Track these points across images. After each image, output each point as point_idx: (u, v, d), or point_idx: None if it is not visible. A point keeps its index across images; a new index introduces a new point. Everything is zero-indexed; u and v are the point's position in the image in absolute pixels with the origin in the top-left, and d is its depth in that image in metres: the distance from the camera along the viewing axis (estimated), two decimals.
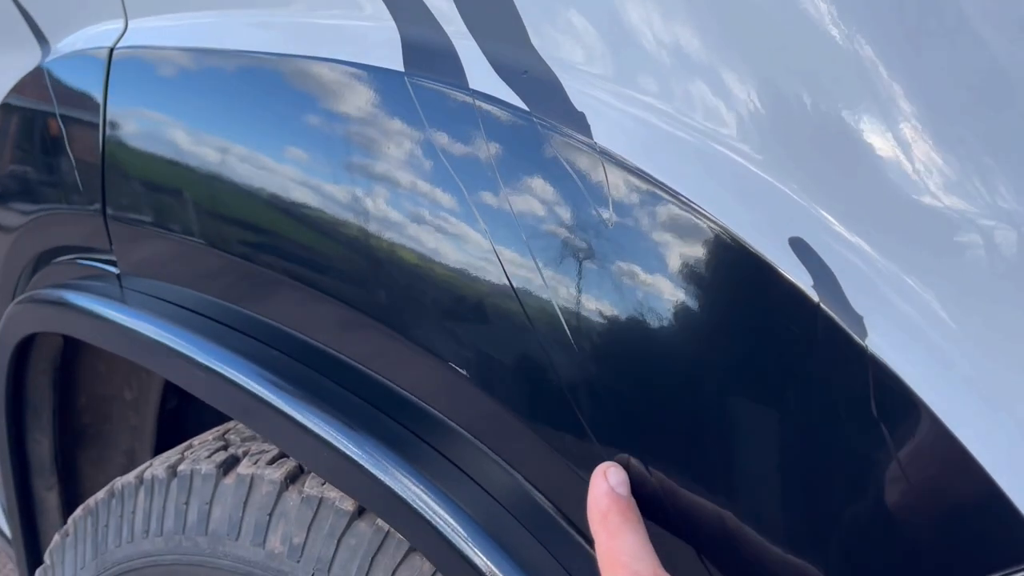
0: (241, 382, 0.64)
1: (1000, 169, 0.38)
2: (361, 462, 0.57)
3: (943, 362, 0.37)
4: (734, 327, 0.41)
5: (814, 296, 0.39)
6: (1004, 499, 0.36)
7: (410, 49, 0.52)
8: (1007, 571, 0.36)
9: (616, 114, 0.44)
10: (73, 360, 1.02)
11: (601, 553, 0.42)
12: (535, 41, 0.47)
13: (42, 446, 1.06)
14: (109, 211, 0.77)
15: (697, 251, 0.42)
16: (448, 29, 0.50)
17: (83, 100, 0.79)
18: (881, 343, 0.37)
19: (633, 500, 0.43)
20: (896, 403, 0.37)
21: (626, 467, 0.45)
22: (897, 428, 0.37)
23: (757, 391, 0.41)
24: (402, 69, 0.52)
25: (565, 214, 0.45)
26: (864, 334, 0.38)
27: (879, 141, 0.39)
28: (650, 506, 0.44)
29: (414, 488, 0.55)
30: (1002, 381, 0.36)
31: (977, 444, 0.36)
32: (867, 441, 0.38)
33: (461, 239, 0.50)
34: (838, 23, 0.39)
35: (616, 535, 0.42)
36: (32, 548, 1.10)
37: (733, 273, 0.41)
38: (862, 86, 0.39)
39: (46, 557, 0.92)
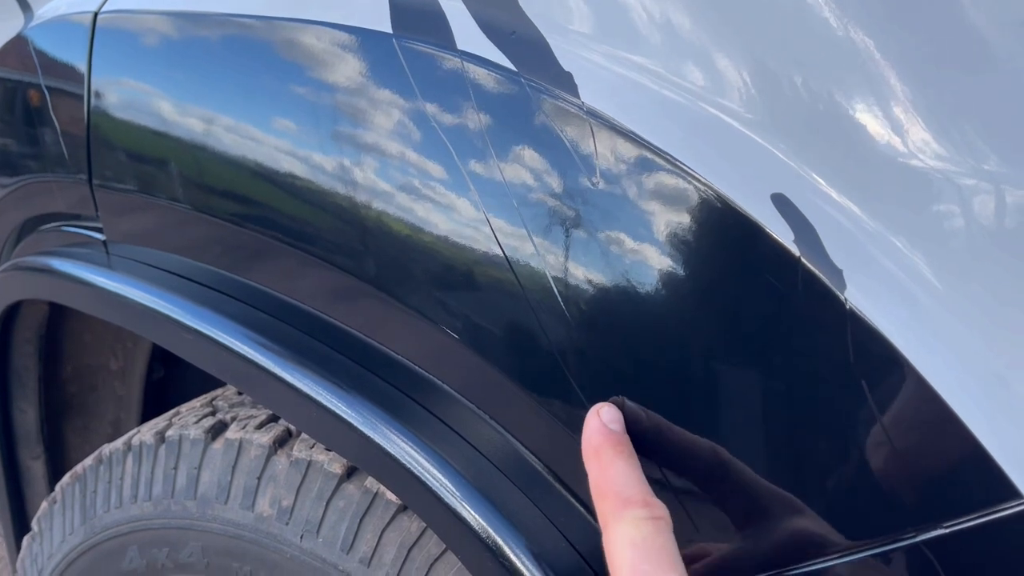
0: (231, 344, 0.64)
1: (988, 132, 0.39)
2: (352, 421, 0.57)
3: (923, 316, 0.38)
4: (719, 282, 0.42)
5: (794, 250, 0.40)
6: (978, 446, 0.37)
7: (398, 11, 0.52)
8: (981, 512, 0.37)
9: (604, 73, 0.45)
10: (58, 330, 1.02)
11: (593, 485, 0.43)
12: (523, 2, 0.47)
13: (28, 416, 1.06)
14: (95, 178, 0.77)
15: (683, 209, 0.42)
16: None
17: (67, 67, 0.78)
18: (860, 297, 0.39)
19: (627, 436, 0.44)
20: (874, 355, 0.38)
21: (620, 407, 0.46)
22: (874, 378, 0.38)
23: (742, 344, 0.42)
24: (390, 31, 0.52)
25: (553, 173, 0.46)
26: (843, 287, 0.39)
27: (867, 105, 0.40)
28: (643, 444, 0.45)
29: (404, 446, 0.55)
30: (977, 335, 0.38)
31: (953, 394, 0.37)
32: (845, 391, 0.39)
33: (451, 202, 0.50)
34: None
35: (608, 466, 0.42)
36: (19, 517, 1.10)
37: (719, 229, 0.42)
38: (852, 50, 0.40)
39: (34, 524, 0.92)
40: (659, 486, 0.43)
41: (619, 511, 0.41)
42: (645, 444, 0.45)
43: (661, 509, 0.41)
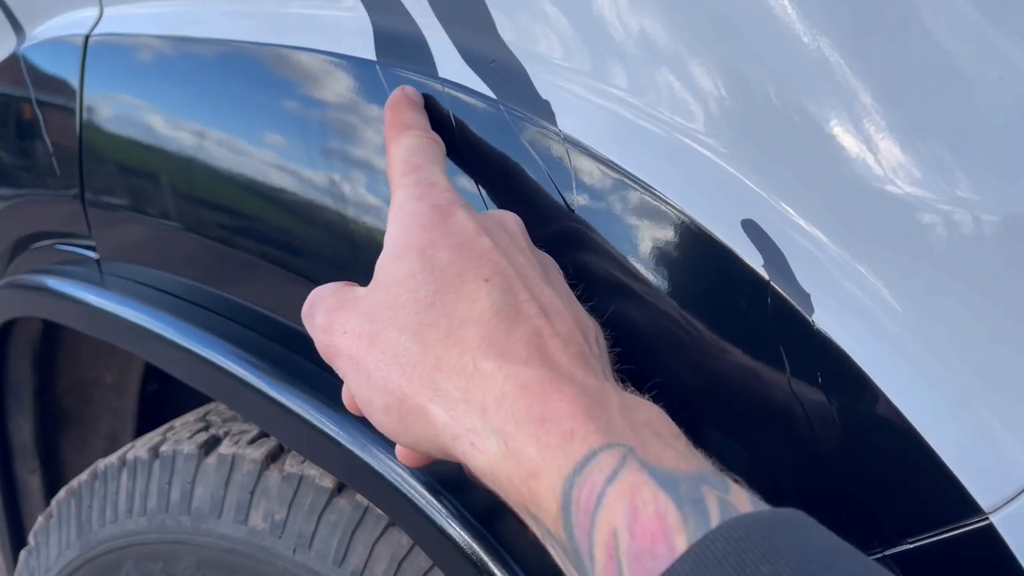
0: (220, 363, 0.65)
1: (953, 160, 0.40)
2: (340, 440, 0.59)
3: (886, 338, 0.39)
4: (692, 304, 0.44)
5: (764, 275, 0.41)
6: (940, 463, 0.38)
7: (382, 39, 0.54)
8: (945, 528, 0.39)
9: (580, 103, 0.46)
10: (53, 344, 1.03)
11: (387, 125, 0.48)
12: (502, 31, 0.48)
13: (23, 430, 1.07)
14: (88, 197, 0.78)
15: (657, 233, 0.44)
16: (418, 19, 0.52)
17: (59, 86, 0.80)
18: (827, 319, 0.40)
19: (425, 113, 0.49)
20: (840, 375, 0.40)
21: None
22: (840, 397, 0.40)
23: (711, 367, 0.43)
24: (374, 58, 0.54)
25: (531, 197, 0.47)
26: (811, 311, 0.40)
27: (837, 136, 0.41)
28: None
29: (392, 465, 0.57)
30: (938, 357, 0.39)
31: (915, 412, 0.39)
32: (814, 409, 0.40)
33: None
34: (802, 21, 0.41)
35: (400, 111, 0.49)
36: (16, 531, 1.11)
37: (692, 254, 0.43)
38: (823, 85, 0.41)
39: (30, 538, 0.93)
40: None
41: (401, 132, 0.46)
42: None
43: (440, 139, 0.46)
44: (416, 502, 0.55)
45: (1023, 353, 0.39)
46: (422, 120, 0.48)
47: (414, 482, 0.55)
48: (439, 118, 0.49)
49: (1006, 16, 0.41)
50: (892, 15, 0.41)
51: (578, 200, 0.46)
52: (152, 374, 1.12)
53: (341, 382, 0.61)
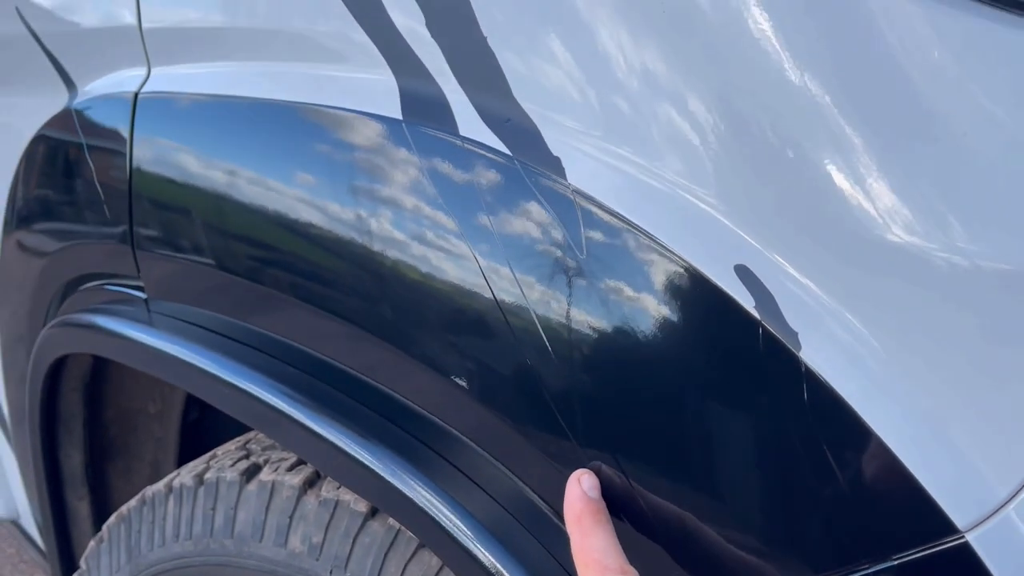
0: (262, 396, 0.70)
1: (945, 207, 0.43)
2: (374, 468, 0.63)
3: (863, 368, 0.43)
4: (691, 344, 0.48)
5: (756, 315, 0.45)
6: (917, 485, 0.42)
7: (408, 100, 0.59)
8: (924, 546, 0.42)
9: (588, 159, 0.50)
10: (101, 375, 1.09)
11: (575, 551, 0.48)
12: (516, 93, 0.53)
13: (73, 460, 1.12)
14: (136, 240, 0.83)
15: (658, 278, 0.48)
16: (441, 82, 0.57)
17: (111, 138, 0.85)
18: (813, 355, 0.44)
19: (603, 503, 0.50)
20: (825, 404, 0.43)
21: (598, 472, 0.51)
22: (826, 426, 0.44)
23: (709, 397, 0.47)
24: (400, 117, 0.59)
25: (544, 246, 0.52)
26: (799, 347, 0.44)
27: (829, 194, 0.44)
28: (619, 505, 0.50)
29: (422, 491, 0.61)
30: (909, 382, 0.43)
31: (892, 437, 0.42)
32: (800, 435, 0.44)
33: (456, 267, 0.56)
34: (807, 84, 0.44)
35: (588, 534, 0.48)
36: (65, 555, 1.16)
37: (689, 297, 0.48)
38: (821, 143, 0.44)
39: (82, 563, 0.98)
40: (629, 548, 0.49)
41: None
42: (619, 505, 0.50)
43: (635, 575, 0.46)
44: (444, 525, 0.59)
45: (996, 379, 0.42)
46: (615, 548, 0.47)
47: (444, 508, 0.59)
48: (459, 172, 0.54)
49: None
50: (877, 70, 0.45)
51: (587, 249, 0.50)
52: (192, 404, 1.17)
53: (374, 410, 0.65)
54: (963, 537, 0.41)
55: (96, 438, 1.13)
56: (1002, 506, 0.41)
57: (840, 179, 0.44)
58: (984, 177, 0.42)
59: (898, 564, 0.42)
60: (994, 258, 0.41)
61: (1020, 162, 0.41)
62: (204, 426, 1.21)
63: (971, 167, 0.42)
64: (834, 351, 0.43)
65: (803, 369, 0.44)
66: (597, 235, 0.50)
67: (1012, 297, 0.41)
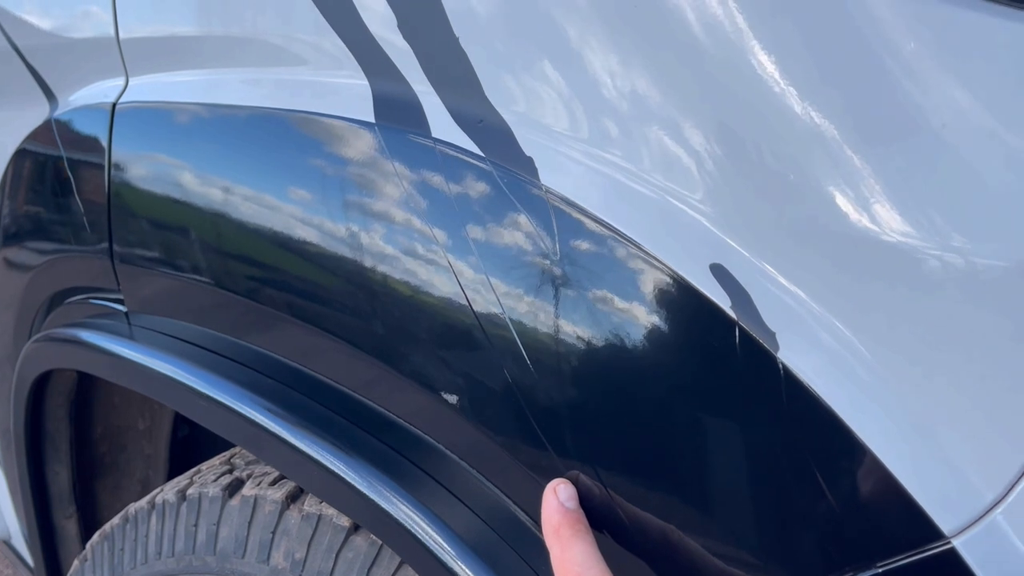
0: (242, 411, 0.69)
1: (913, 206, 0.42)
2: (354, 483, 0.61)
3: (845, 371, 0.42)
4: (669, 347, 0.46)
5: (732, 315, 0.43)
6: (903, 492, 0.40)
7: (380, 102, 0.58)
8: (910, 552, 0.41)
9: (560, 159, 0.49)
10: (88, 393, 1.07)
11: (555, 564, 0.47)
12: (488, 94, 0.52)
13: (61, 477, 1.11)
14: (116, 252, 0.82)
15: (633, 280, 0.47)
16: (413, 84, 0.56)
17: (89, 150, 0.85)
18: (792, 356, 0.42)
19: (582, 512, 0.48)
20: (805, 408, 0.42)
21: (575, 482, 0.49)
22: (804, 427, 0.42)
23: (688, 403, 0.45)
24: (373, 120, 0.58)
25: (518, 247, 0.50)
26: (776, 348, 0.43)
27: (811, 197, 0.43)
28: (596, 514, 0.49)
29: (403, 506, 0.59)
30: (894, 385, 0.41)
31: (877, 442, 0.41)
32: (781, 440, 0.43)
33: (429, 271, 0.55)
34: (778, 83, 0.43)
35: (568, 547, 0.46)
36: (53, 575, 1.15)
37: (666, 298, 0.46)
38: (805, 148, 0.43)
39: None
40: (610, 558, 0.47)
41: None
42: (598, 517, 0.49)
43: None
44: (424, 542, 0.57)
45: (982, 383, 0.41)
46: (595, 559, 0.46)
47: (423, 523, 0.58)
48: (432, 173, 0.53)
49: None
50: (852, 73, 0.43)
51: (559, 249, 0.49)
52: (182, 420, 1.16)
53: (356, 425, 0.64)
54: (949, 543, 0.40)
55: (84, 456, 1.12)
56: (988, 511, 0.39)
57: (826, 180, 0.43)
58: (972, 178, 0.41)
59: (883, 571, 0.41)
60: (983, 259, 0.40)
61: (1008, 165, 0.40)
62: (194, 442, 1.20)
63: (955, 166, 0.41)
64: (816, 353, 0.42)
65: (781, 371, 0.42)
66: (571, 236, 0.48)
67: (999, 301, 0.39)
